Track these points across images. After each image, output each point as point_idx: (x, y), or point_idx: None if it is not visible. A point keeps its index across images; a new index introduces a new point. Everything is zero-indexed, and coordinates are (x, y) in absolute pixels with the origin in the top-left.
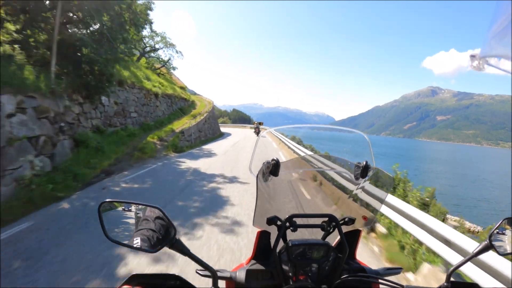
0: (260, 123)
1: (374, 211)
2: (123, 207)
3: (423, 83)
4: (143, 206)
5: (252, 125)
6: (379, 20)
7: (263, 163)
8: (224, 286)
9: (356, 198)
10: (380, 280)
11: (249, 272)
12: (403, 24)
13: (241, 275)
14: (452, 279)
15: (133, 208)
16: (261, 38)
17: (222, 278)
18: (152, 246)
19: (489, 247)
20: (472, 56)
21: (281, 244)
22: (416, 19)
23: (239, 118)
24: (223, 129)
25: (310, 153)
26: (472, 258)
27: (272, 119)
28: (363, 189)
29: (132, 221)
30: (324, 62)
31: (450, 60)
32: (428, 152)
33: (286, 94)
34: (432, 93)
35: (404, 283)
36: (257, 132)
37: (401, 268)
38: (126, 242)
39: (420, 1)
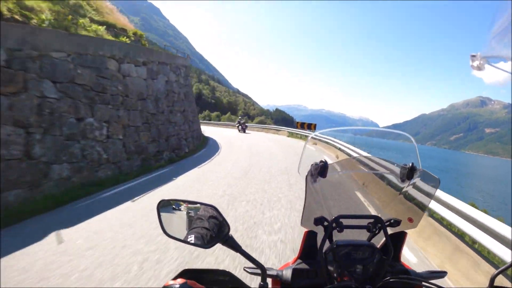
0: (311, 125)
1: (420, 213)
2: (180, 206)
3: (472, 92)
4: (199, 205)
5: (301, 130)
6: (428, 24)
7: (312, 164)
8: (270, 284)
9: (402, 200)
10: (424, 283)
11: (295, 271)
12: (454, 29)
13: (287, 274)
14: (496, 284)
15: (189, 206)
16: (307, 38)
17: (269, 276)
18: (206, 242)
19: None
20: (473, 56)
21: (327, 244)
22: (468, 22)
23: (282, 118)
24: (249, 136)
25: (357, 155)
26: None
27: (316, 121)
28: (409, 191)
29: (189, 218)
30: (371, 65)
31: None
32: (482, 168)
33: (330, 96)
34: (481, 103)
35: (448, 286)
36: (243, 129)
37: (445, 272)
38: (182, 238)
39: (477, 3)
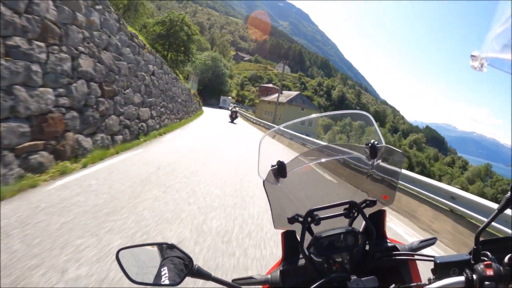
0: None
1: (393, 188)
2: (139, 250)
3: None
4: (158, 246)
5: None
6: None
7: (271, 167)
8: None
9: (372, 180)
10: (410, 257)
11: (283, 273)
12: None
13: (276, 277)
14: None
15: (148, 249)
16: (460, 53)
17: (258, 283)
18: (175, 279)
19: None
20: (473, 56)
21: (308, 240)
22: None
23: (431, 137)
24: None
25: (315, 146)
26: (497, 215)
27: (465, 145)
28: (376, 169)
29: (152, 259)
30: None
31: None
32: None
33: (483, 120)
34: None
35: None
36: (233, 118)
37: (435, 238)
38: (151, 281)
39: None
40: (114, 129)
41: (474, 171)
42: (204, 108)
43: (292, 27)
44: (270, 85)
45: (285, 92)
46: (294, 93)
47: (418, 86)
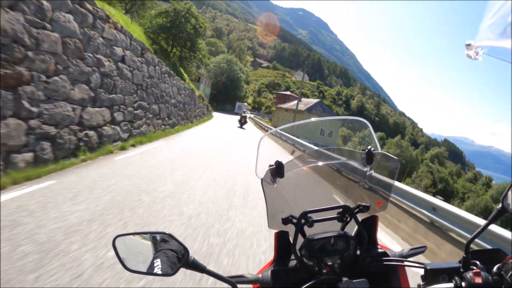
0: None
1: (387, 194)
2: (135, 238)
3: None
4: (154, 235)
5: None
6: None
7: (269, 166)
8: None
9: (367, 185)
10: (404, 262)
11: (274, 273)
12: None
13: (267, 277)
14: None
15: (144, 237)
16: (477, 64)
17: (248, 282)
18: (170, 270)
19: (503, 211)
20: (468, 45)
21: (300, 241)
22: None
23: (450, 151)
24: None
25: (315, 148)
26: (487, 226)
27: (483, 159)
28: (372, 175)
29: (146, 249)
30: None
31: None
32: None
33: (502, 134)
34: None
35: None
36: (242, 123)
37: (425, 247)
38: (144, 270)
39: None
40: (12, 143)
41: (499, 189)
42: (216, 114)
43: (311, 36)
44: (288, 92)
45: (304, 100)
46: (313, 100)
47: (436, 98)
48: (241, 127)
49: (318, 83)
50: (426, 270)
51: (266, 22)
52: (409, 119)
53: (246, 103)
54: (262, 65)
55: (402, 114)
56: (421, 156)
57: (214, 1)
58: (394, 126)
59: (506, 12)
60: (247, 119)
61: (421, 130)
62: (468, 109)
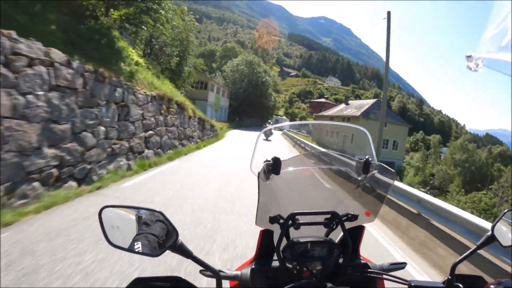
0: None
1: (377, 206)
2: (124, 212)
3: None
4: (145, 211)
5: None
6: None
7: (264, 161)
8: (229, 286)
9: (359, 194)
10: (384, 276)
11: (253, 271)
12: None
13: (246, 275)
14: (457, 272)
15: (134, 212)
16: None
17: (227, 278)
18: (154, 250)
19: (492, 239)
20: (469, 57)
21: (284, 242)
22: None
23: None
24: None
25: (313, 150)
26: (475, 251)
27: None
28: (365, 185)
29: (134, 226)
30: None
31: None
32: None
33: None
34: None
35: (408, 278)
36: (267, 135)
37: (405, 263)
38: (127, 247)
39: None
40: None
41: None
42: (233, 134)
43: (335, 43)
44: (323, 100)
45: (351, 102)
46: (368, 101)
47: (468, 92)
48: (266, 139)
49: (352, 87)
50: (410, 287)
51: (289, 33)
52: (447, 116)
53: (283, 116)
54: (291, 74)
55: (439, 112)
56: (490, 159)
57: (236, 16)
58: (440, 125)
59: (508, 25)
60: (272, 131)
61: (463, 126)
62: (499, 100)
